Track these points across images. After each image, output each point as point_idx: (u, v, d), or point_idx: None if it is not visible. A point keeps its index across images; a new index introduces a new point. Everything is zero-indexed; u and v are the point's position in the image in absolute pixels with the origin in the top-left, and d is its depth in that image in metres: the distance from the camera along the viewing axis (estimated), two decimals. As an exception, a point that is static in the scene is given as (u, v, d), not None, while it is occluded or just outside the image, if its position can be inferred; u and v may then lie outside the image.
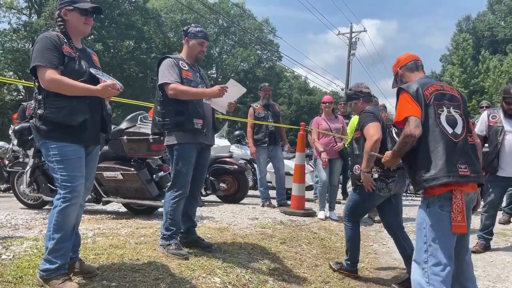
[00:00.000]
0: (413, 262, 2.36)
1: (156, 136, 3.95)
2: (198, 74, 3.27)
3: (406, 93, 2.38)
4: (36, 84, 2.33)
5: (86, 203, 4.88)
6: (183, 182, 3.06)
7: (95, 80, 2.35)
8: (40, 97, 2.31)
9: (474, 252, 4.20)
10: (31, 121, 2.37)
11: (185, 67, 3.15)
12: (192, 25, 3.35)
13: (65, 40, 2.35)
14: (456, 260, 2.30)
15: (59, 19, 2.40)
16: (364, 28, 25.92)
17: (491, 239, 4.38)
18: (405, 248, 3.28)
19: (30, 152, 4.83)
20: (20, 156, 5.42)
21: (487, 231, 4.31)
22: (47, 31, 2.40)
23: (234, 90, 3.15)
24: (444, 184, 2.20)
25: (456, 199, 2.21)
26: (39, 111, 2.30)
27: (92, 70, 2.37)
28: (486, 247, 4.30)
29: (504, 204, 5.62)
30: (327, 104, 5.79)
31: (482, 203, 4.64)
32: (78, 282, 2.32)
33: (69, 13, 2.38)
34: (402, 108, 2.37)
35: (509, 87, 4.21)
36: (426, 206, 2.30)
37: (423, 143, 2.29)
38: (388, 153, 2.57)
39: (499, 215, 5.30)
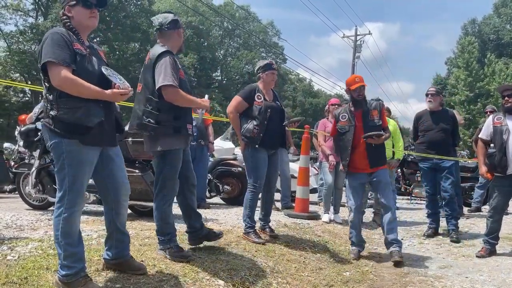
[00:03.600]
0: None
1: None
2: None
3: None
4: (46, 84, 2.19)
5: (91, 204, 4.92)
6: (173, 186, 3.00)
7: (104, 79, 2.29)
8: (51, 97, 2.17)
9: (479, 257, 4.19)
10: (43, 120, 2.25)
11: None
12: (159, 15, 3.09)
13: (74, 37, 2.24)
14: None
15: (64, 17, 2.29)
16: (369, 31, 25.90)
17: (497, 243, 4.34)
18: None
19: (36, 154, 4.85)
20: (26, 157, 5.44)
21: (492, 236, 4.28)
22: (56, 27, 2.30)
23: None
24: None
25: None
26: (52, 113, 2.16)
27: (104, 70, 2.28)
28: (491, 252, 4.27)
29: None
30: (336, 106, 5.75)
31: (487, 207, 4.62)
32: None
33: (73, 9, 2.27)
34: None
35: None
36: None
37: None
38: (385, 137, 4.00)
39: (505, 219, 5.26)
